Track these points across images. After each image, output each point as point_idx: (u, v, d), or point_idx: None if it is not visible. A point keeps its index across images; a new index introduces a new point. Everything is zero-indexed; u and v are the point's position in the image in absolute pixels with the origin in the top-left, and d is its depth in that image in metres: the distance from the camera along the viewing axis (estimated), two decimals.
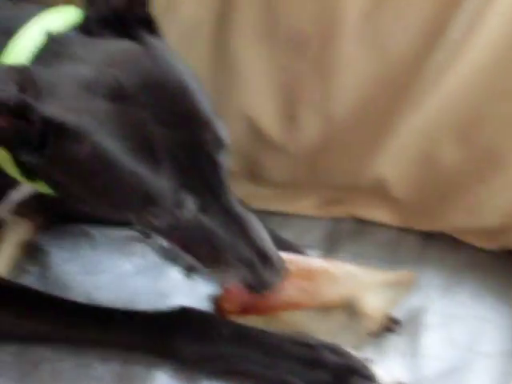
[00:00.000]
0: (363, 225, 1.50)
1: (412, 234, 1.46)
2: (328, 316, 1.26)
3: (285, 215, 1.52)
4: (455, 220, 1.41)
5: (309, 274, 1.26)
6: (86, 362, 1.26)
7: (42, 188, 1.14)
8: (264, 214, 1.44)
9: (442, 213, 1.41)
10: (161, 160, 1.00)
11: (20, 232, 1.51)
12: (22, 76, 0.99)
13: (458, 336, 1.30)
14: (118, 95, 1.01)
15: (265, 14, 1.33)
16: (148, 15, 1.11)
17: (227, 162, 1.08)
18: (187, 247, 1.13)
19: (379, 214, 1.48)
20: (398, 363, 1.27)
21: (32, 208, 1.51)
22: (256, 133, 1.42)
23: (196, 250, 1.12)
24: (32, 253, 1.48)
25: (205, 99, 1.06)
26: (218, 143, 1.05)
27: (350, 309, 1.26)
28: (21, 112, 0.97)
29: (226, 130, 1.08)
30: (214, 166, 1.05)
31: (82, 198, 1.09)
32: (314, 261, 1.30)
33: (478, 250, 1.42)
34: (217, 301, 1.28)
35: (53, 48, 1.05)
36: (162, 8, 1.35)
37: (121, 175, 1.00)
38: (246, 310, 1.25)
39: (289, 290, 1.23)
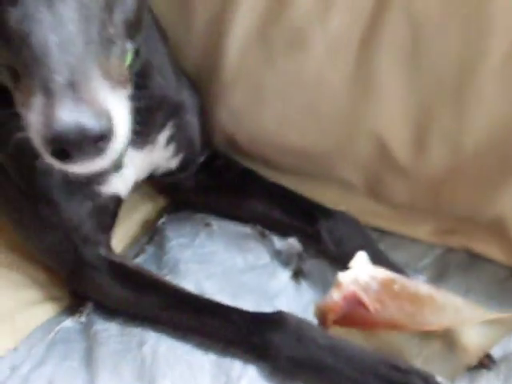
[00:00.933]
0: (476, 259, 1.48)
1: None
2: (425, 343, 1.25)
3: (398, 237, 1.51)
4: None
5: (414, 298, 1.25)
6: (186, 348, 1.31)
7: None
8: (379, 233, 1.51)
9: None
10: None
11: (143, 211, 1.59)
12: None
13: None
14: None
15: (410, 39, 1.33)
16: None
17: None
18: None
19: (492, 250, 1.45)
20: None
21: (157, 189, 1.60)
22: (384, 153, 1.43)
23: None
24: (151, 233, 1.55)
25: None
26: None
27: (448, 339, 1.25)
28: None
29: None
30: None
31: None
32: (421, 286, 1.29)
33: None
34: (320, 309, 1.28)
35: None
36: (311, 17, 1.41)
37: None
38: (347, 322, 1.26)
39: (392, 310, 1.23)
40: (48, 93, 0.89)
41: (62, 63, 0.90)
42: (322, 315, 1.28)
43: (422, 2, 1.31)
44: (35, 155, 0.99)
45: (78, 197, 1.33)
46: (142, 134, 1.21)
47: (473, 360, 1.27)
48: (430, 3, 1.31)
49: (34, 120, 0.91)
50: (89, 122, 0.88)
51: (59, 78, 0.89)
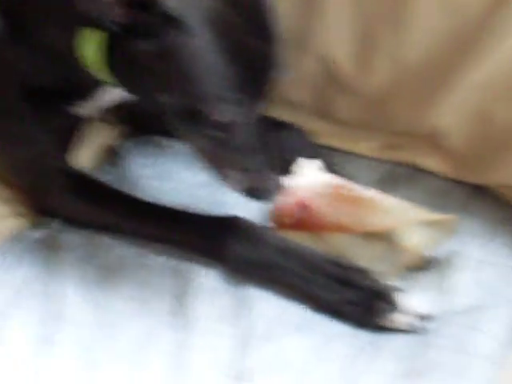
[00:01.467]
0: (418, 172, 1.52)
1: (461, 186, 1.48)
2: (368, 244, 1.31)
3: (347, 153, 1.55)
4: (502, 176, 1.41)
5: (360, 202, 1.30)
6: (147, 253, 1.35)
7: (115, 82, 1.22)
8: (327, 150, 1.53)
9: (489, 168, 1.41)
10: (241, 64, 1.12)
11: (105, 136, 1.60)
12: None
13: (487, 280, 1.32)
14: (224, 4, 1.11)
15: None
16: None
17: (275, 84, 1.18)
18: (208, 150, 1.23)
19: (433, 163, 1.49)
20: (427, 297, 1.29)
21: (118, 117, 1.60)
22: (330, 72, 1.45)
23: (216, 152, 1.22)
24: (113, 156, 1.57)
25: (276, 28, 1.16)
26: (275, 63, 1.16)
27: (390, 241, 1.31)
28: (144, 5, 1.07)
29: (286, 58, 1.17)
30: (267, 83, 1.16)
31: (166, 86, 1.16)
32: (367, 191, 1.33)
33: None
34: (276, 214, 1.33)
35: None
36: None
37: (210, 64, 1.11)
38: (299, 226, 1.31)
39: (339, 213, 1.29)
40: None
41: None
42: (277, 219, 1.33)
43: None
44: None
45: (46, 115, 1.36)
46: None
47: (412, 260, 1.33)
48: None
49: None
50: None
51: None
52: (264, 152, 1.21)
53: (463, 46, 1.35)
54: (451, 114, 1.42)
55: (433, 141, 1.45)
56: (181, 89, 1.15)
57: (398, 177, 1.54)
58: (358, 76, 1.46)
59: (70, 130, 1.42)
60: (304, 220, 1.31)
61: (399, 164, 1.55)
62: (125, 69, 1.19)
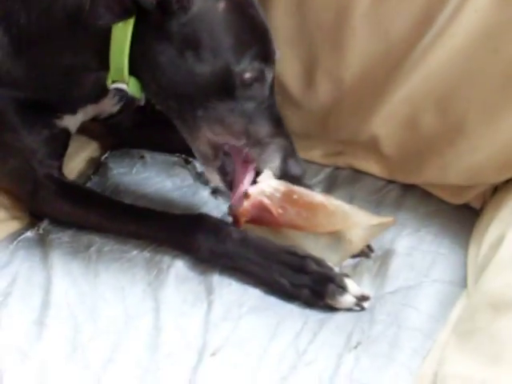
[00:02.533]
0: (358, 174, 1.53)
1: (394, 185, 1.49)
2: (319, 238, 1.30)
3: None
4: (428, 176, 1.41)
5: (310, 205, 1.28)
6: (125, 248, 1.34)
7: (133, 87, 1.21)
8: None
9: (418, 169, 1.42)
10: (257, 34, 1.21)
11: (89, 150, 1.59)
12: None
13: (418, 264, 1.32)
14: None
15: None
16: None
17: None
18: (237, 130, 1.23)
19: (371, 166, 1.49)
20: (367, 280, 1.30)
21: (104, 131, 1.60)
22: (281, 90, 1.43)
23: (245, 131, 1.22)
24: (96, 166, 1.56)
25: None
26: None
27: (337, 234, 1.29)
28: None
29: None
30: (274, 62, 1.24)
31: (198, 55, 1.18)
32: (316, 195, 1.32)
33: (445, 202, 1.44)
34: (233, 213, 1.31)
35: None
36: None
37: (232, 22, 1.17)
38: (256, 221, 1.29)
39: (291, 214, 1.27)
40: None
41: None
42: (234, 218, 1.31)
43: None
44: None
45: (37, 127, 1.34)
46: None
47: (356, 250, 1.32)
48: None
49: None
50: None
51: None
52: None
53: (392, 65, 1.35)
54: (384, 124, 1.41)
55: (369, 147, 1.45)
56: (213, 50, 1.17)
57: (341, 178, 1.54)
58: (304, 93, 1.46)
59: (59, 141, 1.40)
60: (261, 219, 1.29)
61: (342, 168, 1.55)
62: (152, 59, 1.19)
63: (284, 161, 1.21)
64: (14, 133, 1.33)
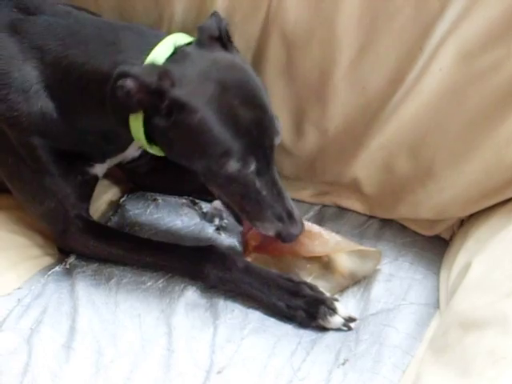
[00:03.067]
0: (342, 211, 1.53)
1: (374, 220, 1.49)
2: (314, 267, 1.33)
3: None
4: (403, 212, 1.42)
5: (308, 234, 1.30)
6: (141, 280, 1.36)
7: (155, 149, 1.24)
8: None
9: (394, 206, 1.42)
10: (240, 132, 1.13)
11: (110, 193, 1.62)
12: (161, 70, 1.12)
13: (396, 289, 1.33)
14: (221, 85, 1.14)
15: (286, 56, 1.36)
16: (229, 34, 1.24)
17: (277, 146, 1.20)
18: (237, 202, 1.23)
19: (353, 204, 1.50)
20: (352, 304, 1.32)
21: (124, 176, 1.62)
22: None
23: (243, 205, 1.23)
24: (115, 208, 1.57)
25: (268, 98, 1.20)
26: (275, 130, 1.19)
27: (331, 266, 1.33)
28: (158, 93, 1.10)
29: (280, 124, 1.20)
30: (271, 146, 1.18)
31: (183, 152, 1.20)
32: (314, 226, 1.34)
33: (419, 234, 1.45)
34: (245, 237, 1.35)
35: (179, 55, 1.18)
36: None
37: (215, 136, 1.14)
38: (262, 249, 1.32)
39: (293, 241, 1.28)
40: None
41: None
42: (245, 241, 1.35)
43: (291, 29, 1.33)
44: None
45: (72, 173, 1.36)
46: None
47: (346, 283, 1.35)
48: (296, 30, 1.33)
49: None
50: None
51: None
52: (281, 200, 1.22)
53: (369, 117, 1.36)
54: (364, 168, 1.42)
55: (351, 188, 1.46)
56: (193, 152, 1.19)
57: (327, 215, 1.55)
58: (294, 142, 1.46)
59: (89, 186, 1.42)
60: (267, 244, 1.31)
61: (328, 206, 1.56)
62: (156, 139, 1.22)
63: (282, 228, 1.22)
64: (53, 178, 1.35)
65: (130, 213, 1.54)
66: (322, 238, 1.32)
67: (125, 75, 1.12)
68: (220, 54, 1.21)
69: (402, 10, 1.25)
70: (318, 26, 1.32)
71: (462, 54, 1.24)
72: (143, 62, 1.17)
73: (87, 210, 1.41)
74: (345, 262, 1.34)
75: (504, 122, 1.25)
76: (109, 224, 1.51)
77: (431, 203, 1.37)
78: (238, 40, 1.38)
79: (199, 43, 1.21)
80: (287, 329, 1.27)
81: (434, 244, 1.44)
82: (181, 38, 1.22)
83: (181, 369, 1.20)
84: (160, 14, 1.44)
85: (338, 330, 1.26)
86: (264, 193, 1.20)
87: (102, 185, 1.58)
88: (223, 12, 1.35)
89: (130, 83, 1.12)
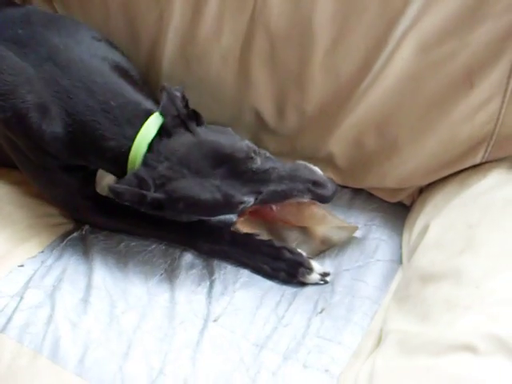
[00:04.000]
0: None
1: (347, 190, 1.46)
2: (299, 234, 1.32)
3: None
4: (371, 182, 1.40)
5: (300, 206, 1.28)
6: (146, 243, 1.35)
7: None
8: None
9: (364, 177, 1.40)
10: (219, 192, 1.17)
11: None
12: (139, 178, 1.16)
13: (366, 248, 1.31)
14: (194, 168, 1.16)
15: (270, 48, 1.34)
16: (197, 113, 1.23)
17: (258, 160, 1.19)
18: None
19: (328, 175, 1.38)
20: (329, 261, 1.31)
21: None
22: (259, 120, 1.43)
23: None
24: None
25: (240, 148, 1.19)
26: (250, 157, 1.19)
27: (312, 234, 1.32)
28: (141, 196, 1.15)
29: (250, 144, 1.20)
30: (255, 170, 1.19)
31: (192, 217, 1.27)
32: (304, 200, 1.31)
33: (385, 201, 1.44)
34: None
35: (154, 150, 1.19)
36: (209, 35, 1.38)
37: (202, 204, 1.18)
38: (258, 215, 1.30)
39: (286, 212, 1.28)
40: None
41: None
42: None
43: (274, 24, 1.32)
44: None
45: (75, 171, 1.35)
46: None
47: (324, 247, 1.34)
48: (279, 25, 1.31)
49: None
50: None
51: None
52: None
53: (342, 100, 1.34)
54: (338, 144, 1.40)
55: (327, 161, 1.43)
56: (202, 215, 1.27)
57: None
58: (277, 122, 1.44)
59: (92, 176, 1.41)
60: (262, 211, 1.29)
61: None
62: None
63: (315, 196, 1.22)
64: (61, 179, 1.35)
65: None
66: (310, 210, 1.31)
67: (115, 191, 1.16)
68: (186, 139, 1.19)
69: (369, 8, 1.24)
70: (297, 21, 1.30)
71: (421, 45, 1.23)
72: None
73: (94, 190, 1.40)
74: (325, 231, 1.33)
75: (457, 104, 1.24)
76: None
77: (395, 174, 1.36)
78: (227, 34, 1.37)
79: (165, 131, 1.20)
80: (272, 283, 1.27)
81: (398, 209, 1.43)
82: (155, 120, 1.21)
83: (182, 318, 1.20)
84: (160, 13, 1.41)
85: (316, 283, 1.26)
86: (283, 186, 1.20)
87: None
88: (215, 11, 1.35)
89: (120, 193, 1.17)
